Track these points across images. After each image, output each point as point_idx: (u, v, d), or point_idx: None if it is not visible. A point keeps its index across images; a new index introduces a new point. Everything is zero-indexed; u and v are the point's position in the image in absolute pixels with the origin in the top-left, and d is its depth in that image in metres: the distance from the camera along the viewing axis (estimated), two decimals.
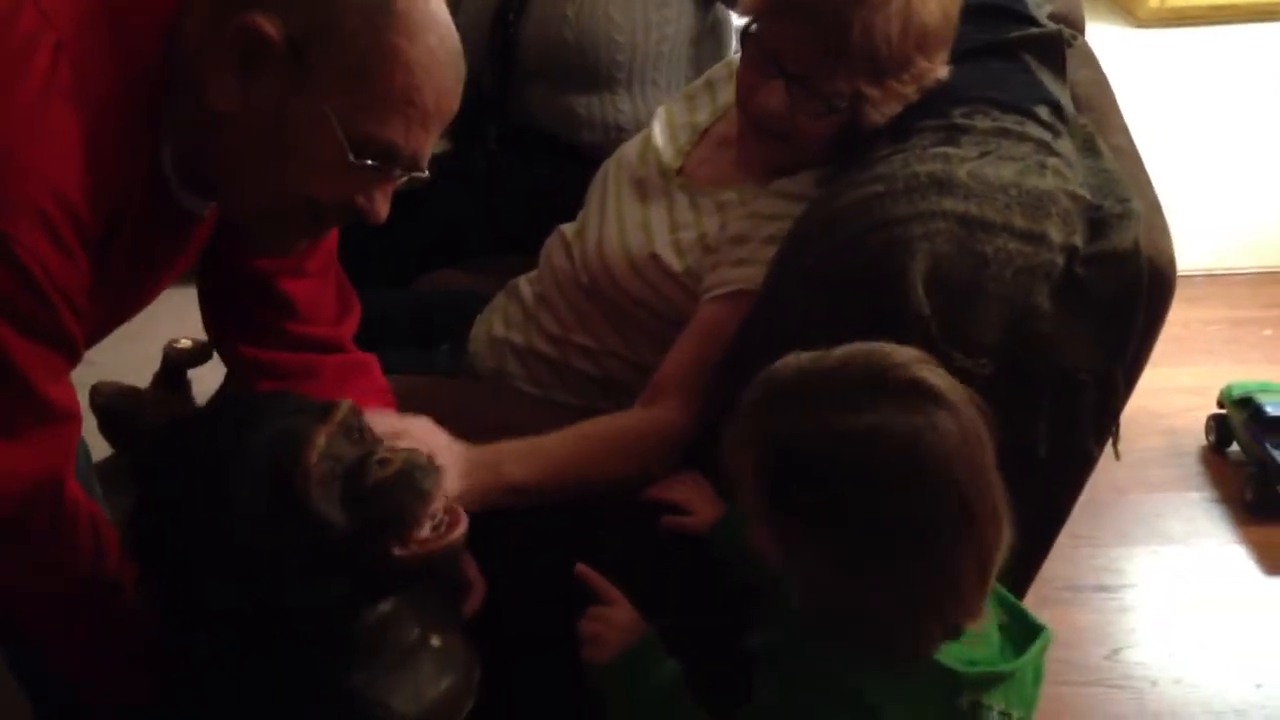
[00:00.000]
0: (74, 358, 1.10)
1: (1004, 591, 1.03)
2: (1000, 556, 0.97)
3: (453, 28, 1.11)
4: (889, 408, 0.93)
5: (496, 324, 1.63)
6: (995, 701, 0.97)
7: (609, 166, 1.63)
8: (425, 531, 1.04)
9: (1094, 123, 1.46)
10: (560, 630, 1.32)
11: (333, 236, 1.34)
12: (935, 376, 0.96)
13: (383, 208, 1.13)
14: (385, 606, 1.05)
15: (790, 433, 0.95)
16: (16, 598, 1.14)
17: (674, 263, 1.45)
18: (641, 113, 1.97)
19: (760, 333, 1.33)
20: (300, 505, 0.98)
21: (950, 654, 0.97)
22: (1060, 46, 1.49)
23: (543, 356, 1.57)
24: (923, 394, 0.95)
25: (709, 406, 1.36)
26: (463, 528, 1.07)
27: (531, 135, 2.01)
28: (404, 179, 1.13)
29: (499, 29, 1.99)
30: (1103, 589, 2.06)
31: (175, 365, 2.13)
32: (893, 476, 0.92)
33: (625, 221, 1.53)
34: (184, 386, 2.15)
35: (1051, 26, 1.53)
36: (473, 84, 2.06)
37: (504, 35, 1.99)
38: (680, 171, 1.54)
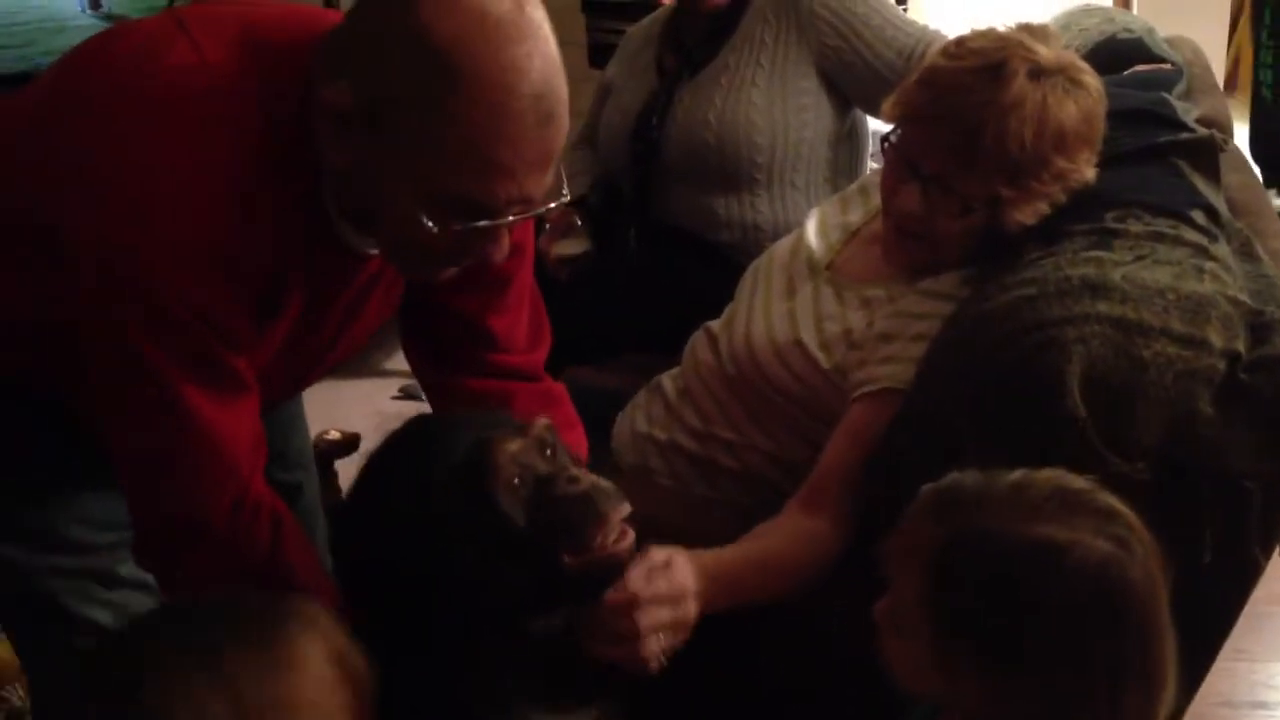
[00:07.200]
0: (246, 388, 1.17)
1: None
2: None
3: (542, 67, 1.05)
4: (1085, 527, 0.88)
5: (639, 419, 1.65)
6: None
7: (760, 262, 1.65)
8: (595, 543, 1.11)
9: (1249, 227, 1.45)
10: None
11: (528, 271, 1.38)
12: (1129, 511, 0.91)
13: (497, 253, 1.14)
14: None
15: (968, 538, 0.90)
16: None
17: (820, 357, 1.46)
18: (779, 213, 2.00)
19: (909, 433, 1.33)
20: (486, 499, 1.08)
21: None
22: (1213, 151, 1.49)
23: (685, 451, 1.58)
24: (1120, 522, 0.90)
25: (860, 509, 1.36)
26: (629, 541, 1.12)
27: (671, 235, 2.05)
28: (518, 220, 1.11)
29: (642, 133, 2.05)
30: (1261, 705, 1.98)
31: (324, 456, 2.19)
32: (1079, 597, 0.86)
33: (772, 313, 1.55)
34: (331, 476, 2.21)
35: (1203, 131, 1.52)
36: (613, 185, 2.14)
37: (646, 139, 2.04)
38: (829, 267, 1.56)
